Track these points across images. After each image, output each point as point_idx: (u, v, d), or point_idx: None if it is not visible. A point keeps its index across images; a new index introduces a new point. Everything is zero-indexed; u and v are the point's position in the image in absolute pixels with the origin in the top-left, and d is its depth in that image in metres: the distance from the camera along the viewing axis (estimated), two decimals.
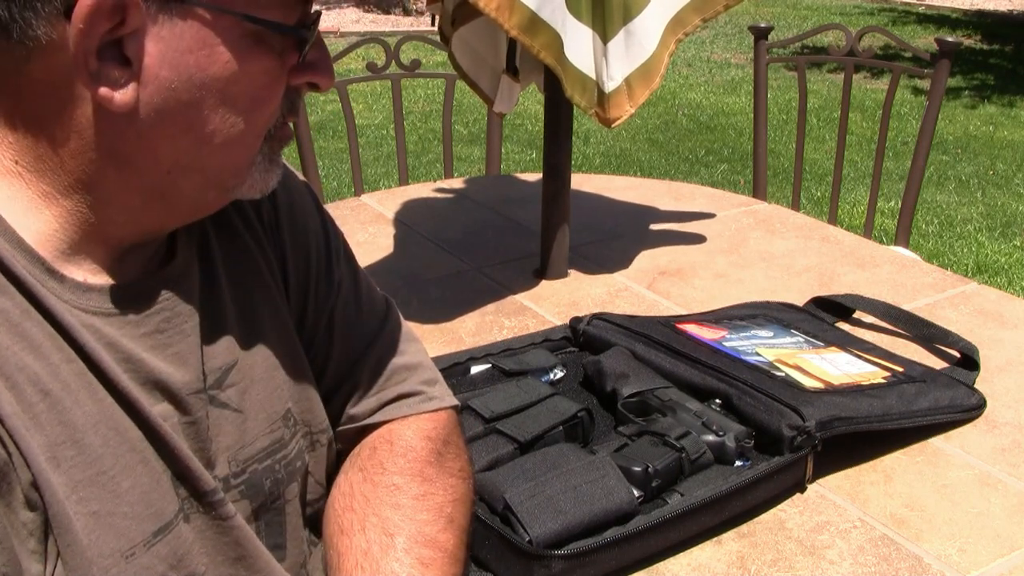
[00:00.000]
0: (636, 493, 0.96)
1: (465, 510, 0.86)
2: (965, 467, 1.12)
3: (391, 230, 1.85)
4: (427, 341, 1.41)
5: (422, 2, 8.74)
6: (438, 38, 1.85)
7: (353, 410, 0.89)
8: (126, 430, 0.70)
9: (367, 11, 9.36)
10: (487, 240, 1.81)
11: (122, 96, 0.64)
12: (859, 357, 1.27)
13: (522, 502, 0.92)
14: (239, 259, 0.82)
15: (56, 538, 0.65)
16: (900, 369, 1.25)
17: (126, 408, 0.70)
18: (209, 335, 0.77)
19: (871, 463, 1.12)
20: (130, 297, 0.72)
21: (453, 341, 1.40)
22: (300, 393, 0.84)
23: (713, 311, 1.44)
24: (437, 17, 1.73)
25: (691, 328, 1.30)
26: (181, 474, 0.73)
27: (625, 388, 1.13)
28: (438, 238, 1.81)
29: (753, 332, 1.32)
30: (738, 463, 1.05)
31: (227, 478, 0.78)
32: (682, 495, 0.98)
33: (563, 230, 1.62)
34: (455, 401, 0.93)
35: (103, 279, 0.71)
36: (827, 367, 1.22)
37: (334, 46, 7.37)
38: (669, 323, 1.31)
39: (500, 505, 0.94)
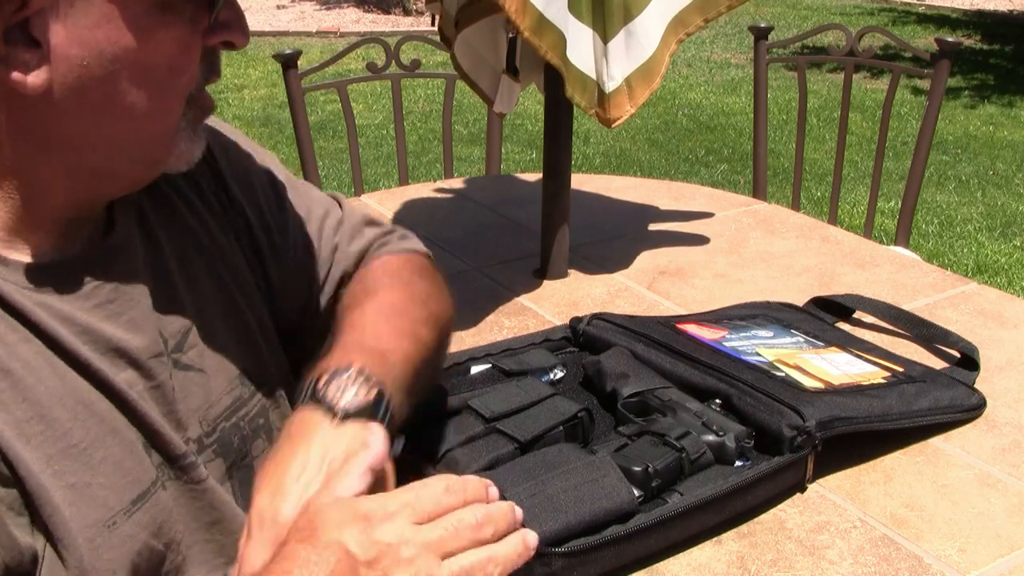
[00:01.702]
0: (636, 493, 0.96)
1: (446, 322, 0.94)
2: (965, 467, 1.12)
3: None
4: None
5: (422, 2, 8.73)
6: (438, 38, 1.85)
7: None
8: (93, 402, 0.71)
9: (367, 11, 9.36)
10: (487, 240, 1.81)
11: (35, 78, 0.64)
12: (859, 357, 1.27)
13: (522, 501, 0.92)
14: (174, 226, 0.83)
15: (39, 511, 0.66)
16: (900, 369, 1.25)
17: (90, 380, 0.71)
18: (160, 301, 0.78)
19: (871, 463, 1.12)
20: (77, 271, 0.72)
21: (453, 341, 1.40)
22: (250, 353, 0.86)
23: (713, 311, 1.44)
24: (437, 17, 1.73)
25: (691, 328, 1.30)
26: (151, 441, 0.74)
27: (625, 388, 1.13)
28: (438, 238, 1.81)
29: (753, 332, 1.32)
30: (738, 463, 1.05)
31: (200, 438, 0.79)
32: (682, 495, 0.98)
33: (563, 230, 1.62)
34: (426, 250, 0.98)
35: (48, 257, 0.71)
36: (827, 367, 1.22)
37: (334, 46, 7.37)
38: (669, 323, 1.31)
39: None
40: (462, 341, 1.40)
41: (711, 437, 1.04)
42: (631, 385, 1.13)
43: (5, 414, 0.65)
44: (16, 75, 0.63)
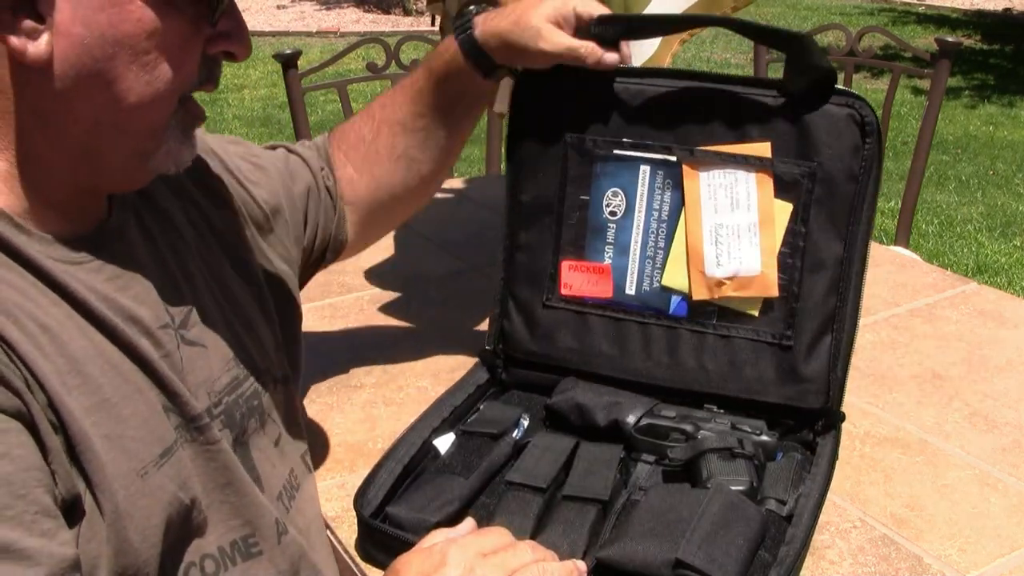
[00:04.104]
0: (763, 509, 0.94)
1: None
2: (965, 467, 1.12)
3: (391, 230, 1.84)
4: (427, 341, 1.41)
5: (422, 2, 8.74)
6: (438, 38, 1.85)
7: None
8: (118, 363, 0.74)
9: (367, 11, 9.36)
10: (487, 240, 1.81)
11: (35, 48, 0.66)
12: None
13: (694, 553, 0.86)
14: (170, 232, 0.87)
15: (80, 456, 0.69)
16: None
17: (116, 343, 0.74)
18: (161, 285, 0.81)
19: (871, 463, 1.12)
20: (87, 248, 0.75)
21: (453, 341, 1.40)
22: (242, 343, 0.90)
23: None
24: (437, 17, 1.73)
25: (575, 281, 1.15)
26: (170, 402, 0.77)
27: (628, 415, 1.06)
28: (438, 238, 1.81)
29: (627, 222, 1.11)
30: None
31: (209, 409, 0.82)
32: (783, 502, 0.95)
33: None
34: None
35: (64, 233, 0.74)
36: (712, 251, 1.07)
37: (334, 46, 7.37)
38: (553, 297, 1.17)
39: (670, 568, 0.86)
40: (462, 342, 1.40)
41: (755, 438, 1.01)
42: (629, 411, 1.06)
43: (49, 363, 0.68)
44: (16, 40, 0.66)
